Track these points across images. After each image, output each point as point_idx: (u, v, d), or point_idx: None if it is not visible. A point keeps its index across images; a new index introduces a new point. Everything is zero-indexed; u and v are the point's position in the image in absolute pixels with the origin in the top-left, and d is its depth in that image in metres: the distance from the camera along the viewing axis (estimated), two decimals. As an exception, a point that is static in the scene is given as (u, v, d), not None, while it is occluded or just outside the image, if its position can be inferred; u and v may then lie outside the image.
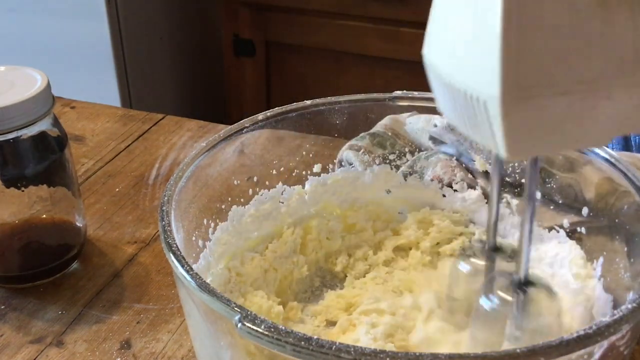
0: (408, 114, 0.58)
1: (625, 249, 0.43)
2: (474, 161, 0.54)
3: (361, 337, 0.42)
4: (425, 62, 0.33)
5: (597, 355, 0.33)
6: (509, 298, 0.37)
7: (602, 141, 0.31)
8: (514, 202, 0.52)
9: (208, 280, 0.45)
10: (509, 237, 0.53)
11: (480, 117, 0.29)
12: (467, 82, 0.29)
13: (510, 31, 0.26)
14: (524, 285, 0.37)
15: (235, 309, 0.32)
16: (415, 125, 0.57)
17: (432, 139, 0.56)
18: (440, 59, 0.31)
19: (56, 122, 0.54)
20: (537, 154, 0.34)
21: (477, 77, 0.28)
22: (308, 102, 0.51)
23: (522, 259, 0.36)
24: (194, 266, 0.36)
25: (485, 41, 0.27)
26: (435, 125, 0.55)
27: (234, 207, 0.50)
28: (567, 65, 0.27)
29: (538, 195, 0.51)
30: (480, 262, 0.42)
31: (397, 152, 0.57)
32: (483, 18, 0.27)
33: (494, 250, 0.41)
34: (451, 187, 0.55)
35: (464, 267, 0.43)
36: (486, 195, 0.54)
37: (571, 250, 0.48)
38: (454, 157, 0.55)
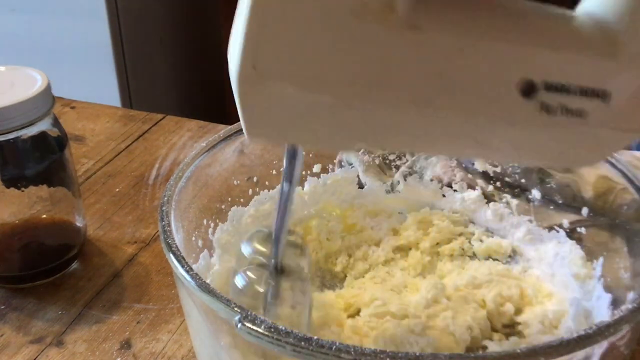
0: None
1: (625, 248, 0.43)
2: (473, 163, 0.54)
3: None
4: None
5: (597, 355, 0.33)
6: (254, 277, 0.39)
7: (344, 146, 0.30)
8: (514, 202, 0.52)
9: (208, 281, 0.45)
10: (509, 237, 0.53)
11: (235, 94, 0.29)
12: (229, 56, 0.29)
13: (258, 12, 0.26)
14: (279, 272, 0.39)
15: (235, 309, 0.32)
16: None
17: None
18: (230, 39, 0.30)
19: (56, 122, 0.54)
20: (277, 142, 0.35)
21: (232, 52, 0.28)
22: (308, 102, 0.51)
23: (276, 248, 0.38)
24: (193, 266, 0.36)
25: (242, 17, 0.27)
26: None
27: (234, 207, 0.50)
28: (309, 64, 0.27)
29: (538, 195, 0.51)
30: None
31: (397, 152, 0.57)
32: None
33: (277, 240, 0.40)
34: (451, 187, 0.55)
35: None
36: (486, 195, 0.54)
37: (571, 250, 0.48)
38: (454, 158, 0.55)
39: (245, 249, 0.41)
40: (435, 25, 0.26)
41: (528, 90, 0.27)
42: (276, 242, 0.38)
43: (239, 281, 0.39)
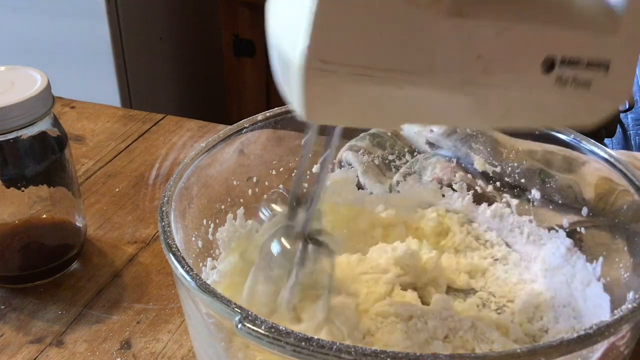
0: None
1: (626, 248, 0.43)
2: (473, 163, 0.54)
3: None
4: (266, 18, 0.34)
5: (597, 355, 0.33)
6: (289, 246, 0.40)
7: (393, 124, 0.33)
8: (514, 202, 0.52)
9: (216, 275, 0.45)
10: (509, 237, 0.53)
11: (289, 79, 0.31)
12: (284, 44, 0.31)
13: (323, 4, 0.28)
14: (307, 239, 0.40)
15: (236, 309, 0.32)
16: (411, 129, 0.57)
17: (429, 143, 0.56)
18: (272, 16, 0.33)
19: (56, 122, 0.54)
20: (336, 124, 0.37)
21: (290, 41, 0.30)
22: (308, 102, 0.51)
23: (306, 217, 0.40)
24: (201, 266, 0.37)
25: (302, 7, 0.29)
26: (432, 131, 0.55)
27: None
28: (368, 50, 0.29)
29: (538, 195, 0.51)
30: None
31: (397, 152, 0.57)
32: None
33: (296, 202, 0.43)
34: (451, 187, 0.55)
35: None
36: (486, 195, 0.54)
37: (571, 250, 0.48)
38: (453, 158, 0.55)
39: (264, 213, 0.43)
40: (476, 12, 0.30)
41: (549, 66, 0.31)
42: (313, 206, 0.39)
43: (274, 248, 0.41)
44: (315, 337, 0.30)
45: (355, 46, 0.29)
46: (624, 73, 0.32)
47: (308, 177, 0.54)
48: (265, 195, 0.45)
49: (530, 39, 0.31)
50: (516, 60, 0.31)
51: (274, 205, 0.43)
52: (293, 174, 0.53)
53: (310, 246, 0.40)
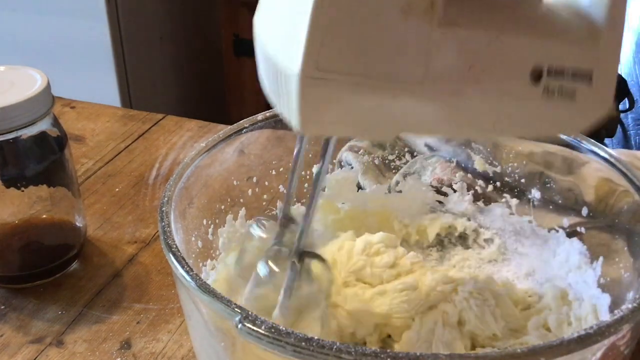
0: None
1: (626, 248, 0.43)
2: (473, 162, 0.54)
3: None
4: (254, 29, 0.34)
5: (597, 355, 0.33)
6: (277, 269, 0.39)
7: (387, 135, 0.34)
8: (514, 202, 0.52)
9: (215, 275, 0.45)
10: (509, 237, 0.53)
11: (283, 89, 0.31)
12: (278, 55, 0.31)
13: (320, 15, 0.28)
14: (302, 255, 0.39)
15: (236, 309, 0.32)
16: None
17: (428, 146, 0.56)
18: (263, 27, 0.33)
19: (56, 122, 0.54)
20: (330, 134, 0.36)
21: (285, 51, 0.30)
22: (308, 102, 0.51)
23: (302, 232, 0.39)
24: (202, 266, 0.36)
25: (298, 18, 0.29)
26: None
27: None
28: (364, 59, 0.29)
29: (538, 195, 0.51)
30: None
31: (397, 152, 0.57)
32: None
33: (287, 220, 0.42)
34: (451, 187, 0.55)
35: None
36: (486, 195, 0.54)
37: (570, 250, 0.48)
38: (453, 159, 0.55)
39: (255, 231, 0.42)
40: (468, 21, 0.30)
41: (537, 76, 0.31)
42: (305, 224, 0.39)
43: (262, 269, 0.40)
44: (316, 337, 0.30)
45: (351, 54, 0.29)
46: (605, 84, 0.33)
47: (308, 176, 0.54)
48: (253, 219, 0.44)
49: (519, 48, 0.31)
50: (506, 70, 0.31)
51: (264, 222, 0.42)
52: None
53: (302, 265, 0.39)
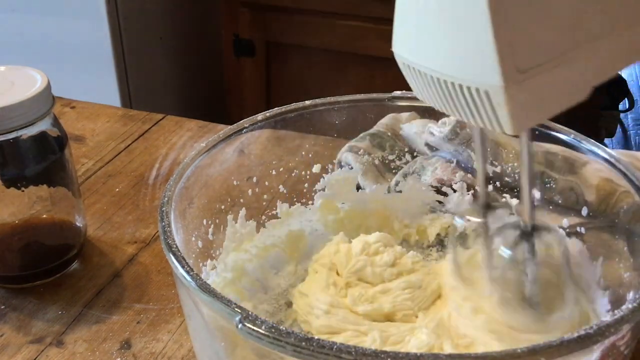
0: (407, 113, 0.58)
1: (626, 248, 0.43)
2: (474, 162, 0.54)
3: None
4: (398, 59, 0.34)
5: (597, 355, 0.33)
6: (510, 247, 0.40)
7: (584, 94, 0.33)
8: (514, 202, 0.52)
9: (215, 275, 0.45)
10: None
11: (479, 104, 0.31)
12: (458, 74, 0.30)
13: (499, 18, 0.28)
14: (531, 231, 0.39)
15: (236, 309, 0.32)
16: (409, 130, 0.57)
17: (429, 146, 0.56)
18: (416, 51, 0.33)
19: (56, 122, 0.54)
20: (538, 123, 0.37)
21: (468, 67, 0.30)
22: (308, 102, 0.51)
23: (526, 207, 0.38)
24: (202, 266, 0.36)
25: (474, 33, 0.29)
26: (432, 134, 0.55)
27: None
28: (555, 39, 0.30)
29: (538, 195, 0.51)
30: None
31: (397, 153, 0.57)
32: (467, 12, 0.29)
33: (486, 208, 0.42)
34: (451, 187, 0.55)
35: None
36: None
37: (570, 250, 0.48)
38: (453, 159, 0.55)
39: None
40: None
41: None
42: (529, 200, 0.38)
43: (505, 252, 0.40)
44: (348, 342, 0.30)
45: (542, 40, 0.29)
46: None
47: (308, 176, 0.54)
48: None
49: None
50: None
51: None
52: (292, 174, 0.53)
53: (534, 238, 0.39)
